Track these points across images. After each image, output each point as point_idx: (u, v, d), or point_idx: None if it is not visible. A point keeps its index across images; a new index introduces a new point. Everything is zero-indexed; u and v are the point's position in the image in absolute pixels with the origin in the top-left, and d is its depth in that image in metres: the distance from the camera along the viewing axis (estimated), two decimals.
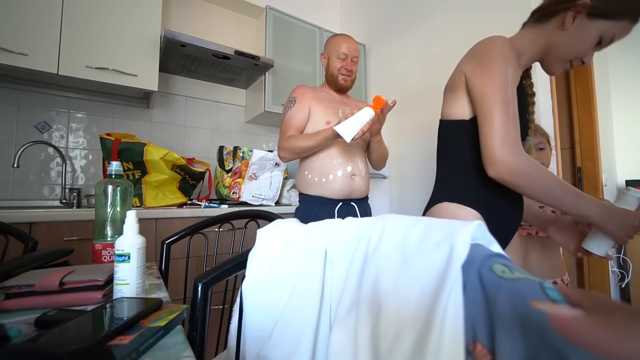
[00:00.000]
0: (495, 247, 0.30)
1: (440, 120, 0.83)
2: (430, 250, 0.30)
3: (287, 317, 0.38)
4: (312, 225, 0.44)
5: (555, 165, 1.58)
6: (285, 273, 0.41)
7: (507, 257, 0.28)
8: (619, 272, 2.76)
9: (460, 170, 0.76)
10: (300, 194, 1.31)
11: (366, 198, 1.35)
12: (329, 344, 0.32)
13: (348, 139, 1.05)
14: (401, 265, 0.31)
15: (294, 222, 0.49)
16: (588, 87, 2.64)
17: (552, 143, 1.29)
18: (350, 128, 1.06)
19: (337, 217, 1.21)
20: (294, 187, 1.88)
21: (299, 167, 1.34)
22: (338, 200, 1.24)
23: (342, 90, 1.36)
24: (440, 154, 0.84)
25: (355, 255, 0.36)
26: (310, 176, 1.26)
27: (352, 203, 1.26)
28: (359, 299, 0.32)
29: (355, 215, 1.25)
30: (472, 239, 0.29)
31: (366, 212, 1.34)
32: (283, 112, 1.32)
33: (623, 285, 2.76)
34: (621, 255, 2.78)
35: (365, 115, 1.07)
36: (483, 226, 0.30)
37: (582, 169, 2.67)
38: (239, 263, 0.50)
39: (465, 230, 0.29)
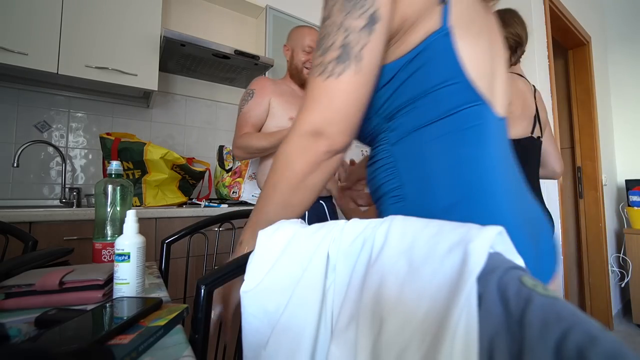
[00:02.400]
0: (518, 261, 0.26)
1: None
2: (440, 256, 0.27)
3: (284, 325, 0.36)
4: (314, 227, 0.42)
5: None
6: (285, 278, 0.39)
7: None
8: (619, 271, 2.77)
9: None
10: None
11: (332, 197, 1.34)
12: (328, 358, 0.30)
13: None
14: (407, 273, 0.28)
15: (297, 223, 0.46)
16: (588, 87, 2.64)
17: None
18: None
19: (308, 215, 1.19)
20: None
21: (260, 163, 1.28)
22: None
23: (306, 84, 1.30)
24: None
25: (359, 260, 0.33)
26: None
27: (320, 201, 1.24)
28: (359, 310, 0.30)
29: (324, 213, 1.23)
30: (491, 247, 0.25)
31: (334, 210, 1.33)
32: (240, 105, 1.24)
33: (623, 285, 2.76)
34: (621, 255, 2.78)
35: None
36: (504, 234, 0.26)
37: (582, 168, 2.67)
38: (243, 265, 0.49)
39: (482, 235, 0.25)
